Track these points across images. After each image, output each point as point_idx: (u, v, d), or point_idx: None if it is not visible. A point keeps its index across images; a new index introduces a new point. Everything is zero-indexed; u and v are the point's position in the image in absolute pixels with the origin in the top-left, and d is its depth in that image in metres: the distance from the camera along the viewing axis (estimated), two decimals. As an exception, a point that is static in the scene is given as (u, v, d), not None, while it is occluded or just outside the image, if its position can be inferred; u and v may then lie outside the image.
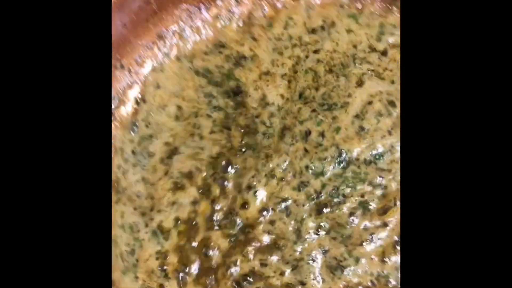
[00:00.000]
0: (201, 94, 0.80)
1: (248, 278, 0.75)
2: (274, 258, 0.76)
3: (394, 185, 0.77)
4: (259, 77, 0.81)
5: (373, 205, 0.76)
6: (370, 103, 0.80)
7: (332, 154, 0.79)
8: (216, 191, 0.78)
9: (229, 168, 0.79)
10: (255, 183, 0.78)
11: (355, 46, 0.81)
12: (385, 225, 0.76)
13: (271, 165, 0.79)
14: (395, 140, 0.79)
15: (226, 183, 0.78)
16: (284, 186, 0.78)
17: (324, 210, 0.77)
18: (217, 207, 0.77)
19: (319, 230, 0.76)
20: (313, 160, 0.79)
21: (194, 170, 0.78)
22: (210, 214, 0.77)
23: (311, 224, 0.77)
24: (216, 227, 0.77)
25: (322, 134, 0.80)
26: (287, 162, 0.79)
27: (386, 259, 0.75)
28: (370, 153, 0.79)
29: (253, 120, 0.80)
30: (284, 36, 0.82)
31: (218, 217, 0.77)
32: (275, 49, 0.81)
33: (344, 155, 0.79)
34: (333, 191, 0.77)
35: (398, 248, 0.75)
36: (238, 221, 0.77)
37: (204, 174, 0.78)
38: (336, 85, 0.81)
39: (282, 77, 0.81)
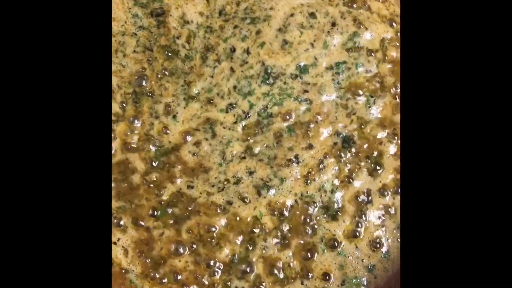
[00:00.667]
0: (129, 15, 0.78)
1: (174, 200, 0.73)
2: (200, 180, 0.74)
3: (318, 99, 0.74)
4: (180, -4, 0.78)
5: (297, 123, 0.73)
6: (292, 15, 0.76)
7: (258, 71, 0.76)
8: (132, 112, 0.76)
9: (147, 90, 0.76)
10: (174, 107, 0.76)
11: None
12: (310, 146, 0.73)
13: (194, 90, 0.76)
14: (318, 52, 0.75)
15: (141, 105, 0.76)
16: (209, 108, 0.75)
17: (252, 131, 0.74)
18: (135, 131, 0.75)
19: (246, 152, 0.74)
20: (240, 79, 0.76)
21: (115, 86, 0.76)
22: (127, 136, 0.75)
23: (237, 146, 0.74)
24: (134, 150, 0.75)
25: (247, 51, 0.76)
26: (212, 84, 0.76)
27: (309, 181, 0.72)
28: (295, 67, 0.75)
29: (174, 41, 0.77)
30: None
31: (135, 140, 0.75)
32: (196, -30, 0.78)
33: (270, 71, 0.75)
34: (262, 111, 0.75)
35: (322, 168, 0.72)
36: (159, 144, 0.75)
37: (123, 90, 0.76)
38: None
39: (200, -4, 0.78)
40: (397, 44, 0.75)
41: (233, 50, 0.77)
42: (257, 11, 0.77)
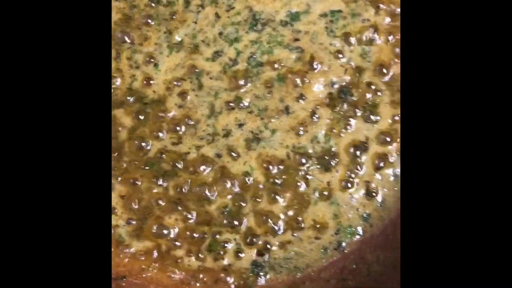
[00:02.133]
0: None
1: (162, 155, 0.70)
2: (188, 134, 0.70)
3: (310, 47, 0.71)
4: None
5: (288, 72, 0.70)
6: (282, -45, 0.72)
7: (246, 17, 0.72)
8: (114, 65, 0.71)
9: (126, 39, 0.71)
10: (155, 56, 0.71)
11: None
12: (301, 97, 0.70)
13: (177, 37, 0.71)
14: (312, -1, 0.71)
15: (120, 57, 0.71)
16: (194, 56, 0.71)
17: (240, 82, 0.71)
18: (116, 83, 0.71)
19: (234, 103, 0.71)
20: (226, 26, 0.72)
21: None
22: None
23: (226, 97, 0.71)
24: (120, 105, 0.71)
25: (233, -5, 0.72)
26: (196, 30, 0.71)
27: (302, 132, 0.70)
28: (286, 13, 0.71)
29: (155, -14, 0.72)
30: None
31: (119, 95, 0.71)
32: None
33: (258, 17, 0.71)
34: (250, 59, 0.71)
35: (315, 119, 0.70)
36: (144, 96, 0.71)
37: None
38: None
39: None
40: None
41: (218, -6, 0.72)
42: (244, -49, 0.72)
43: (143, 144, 0.70)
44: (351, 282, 0.66)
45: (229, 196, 0.69)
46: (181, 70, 0.71)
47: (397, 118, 0.69)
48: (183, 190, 0.69)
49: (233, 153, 0.70)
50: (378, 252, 0.66)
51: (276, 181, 0.69)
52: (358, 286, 0.64)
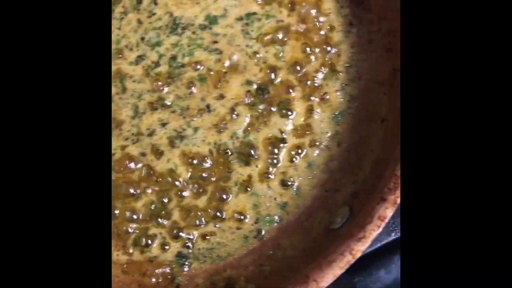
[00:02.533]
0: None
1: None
2: (114, 135, 0.74)
3: (228, 49, 0.75)
4: None
5: (208, 73, 0.74)
6: (198, -37, 0.76)
7: (167, 22, 0.76)
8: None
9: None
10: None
11: None
12: (221, 96, 0.75)
13: (101, 40, 0.75)
14: (228, 3, 0.76)
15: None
16: (118, 61, 0.75)
17: (162, 84, 0.75)
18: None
19: (158, 103, 0.74)
20: (148, 31, 0.76)
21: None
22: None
23: (149, 99, 0.74)
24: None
25: (154, 1, 0.76)
26: (120, 36, 0.75)
27: (222, 130, 0.75)
28: (204, 17, 0.76)
29: (78, -6, 0.75)
30: None
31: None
32: None
33: (178, 22, 0.76)
34: (171, 61, 0.75)
35: (234, 116, 0.74)
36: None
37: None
38: None
39: None
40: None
41: (139, 1, 0.76)
42: (162, -41, 0.76)
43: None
44: (267, 267, 0.70)
45: (155, 192, 0.73)
46: (105, 74, 0.74)
47: (311, 111, 0.74)
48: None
49: (157, 151, 0.74)
50: (292, 237, 0.71)
51: (201, 175, 0.73)
52: (273, 270, 0.69)
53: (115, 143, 0.74)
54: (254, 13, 0.76)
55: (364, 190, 0.69)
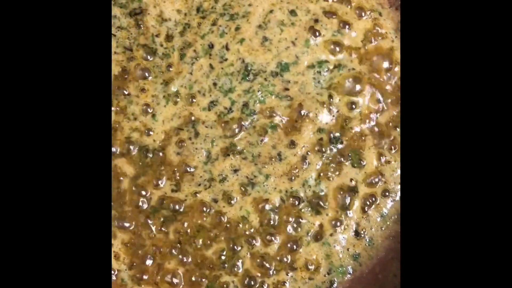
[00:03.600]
0: (108, 17, 0.76)
1: (164, 201, 0.73)
2: (185, 181, 0.74)
3: (299, 96, 0.75)
4: (158, -6, 0.77)
5: (280, 121, 0.75)
6: (271, 11, 0.76)
7: (238, 68, 0.76)
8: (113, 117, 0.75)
9: (125, 92, 0.75)
10: (153, 107, 0.75)
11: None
12: (292, 144, 0.75)
13: (173, 88, 0.75)
14: (300, 51, 0.76)
15: (117, 108, 0.75)
16: (191, 106, 0.75)
17: (235, 129, 0.75)
18: (117, 136, 0.75)
19: (230, 150, 0.75)
20: (220, 76, 0.76)
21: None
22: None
23: (221, 145, 0.75)
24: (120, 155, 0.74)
25: (226, 47, 0.76)
26: (192, 81, 0.76)
27: (293, 178, 0.74)
28: (276, 64, 0.76)
29: (153, 40, 0.76)
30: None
31: (118, 147, 0.74)
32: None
33: (250, 68, 0.76)
34: (244, 107, 0.75)
35: (306, 165, 0.74)
36: (143, 146, 0.75)
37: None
38: (236, -5, 0.77)
39: (178, -7, 0.77)
40: (380, 37, 0.77)
41: (211, 46, 0.77)
42: (236, 7, 0.77)
43: (143, 192, 0.74)
44: (343, 320, 0.70)
45: (227, 239, 0.73)
46: (177, 120, 0.75)
47: (383, 160, 0.74)
48: (182, 234, 0.73)
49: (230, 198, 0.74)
50: (368, 290, 0.71)
51: (272, 223, 0.73)
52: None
53: (188, 189, 0.74)
54: (326, 61, 0.76)
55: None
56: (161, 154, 0.74)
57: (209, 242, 0.73)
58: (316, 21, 0.76)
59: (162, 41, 0.76)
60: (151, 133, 0.74)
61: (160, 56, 0.76)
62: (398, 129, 0.75)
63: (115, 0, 0.76)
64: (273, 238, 0.73)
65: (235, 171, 0.74)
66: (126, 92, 0.75)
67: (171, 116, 0.75)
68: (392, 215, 0.73)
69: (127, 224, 0.73)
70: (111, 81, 0.74)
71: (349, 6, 0.77)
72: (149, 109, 0.75)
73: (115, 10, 0.76)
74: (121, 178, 0.74)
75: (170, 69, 0.76)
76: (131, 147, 0.74)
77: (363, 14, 0.77)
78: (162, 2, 0.76)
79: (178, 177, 0.74)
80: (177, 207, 0.73)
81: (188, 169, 0.74)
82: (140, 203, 0.73)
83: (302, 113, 0.75)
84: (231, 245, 0.73)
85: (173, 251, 0.73)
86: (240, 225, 0.73)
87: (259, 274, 0.72)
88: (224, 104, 0.76)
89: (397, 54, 0.76)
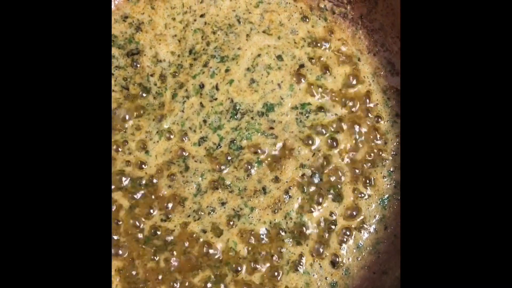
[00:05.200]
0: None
1: (157, 232, 0.78)
2: (176, 212, 0.79)
3: (283, 135, 0.81)
4: (154, 37, 0.83)
5: (265, 157, 0.81)
6: (259, 55, 0.83)
7: (227, 107, 0.82)
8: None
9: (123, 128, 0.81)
10: (147, 143, 0.80)
11: (234, 10, 0.85)
12: (276, 179, 0.81)
13: (165, 125, 0.81)
14: (284, 93, 0.82)
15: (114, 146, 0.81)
16: (180, 142, 0.81)
17: (222, 165, 0.80)
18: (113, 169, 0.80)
19: (218, 184, 0.80)
20: (210, 114, 0.82)
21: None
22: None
23: (210, 178, 0.80)
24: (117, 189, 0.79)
25: (216, 87, 0.82)
26: (184, 118, 0.81)
27: (277, 210, 0.80)
28: (262, 105, 0.82)
29: (147, 79, 0.81)
30: (178, 5, 0.84)
31: (121, 180, 0.79)
32: (169, 15, 0.84)
33: (238, 108, 0.82)
34: (231, 143, 0.81)
35: (288, 198, 0.80)
36: (137, 180, 0.80)
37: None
38: (227, 40, 0.83)
39: (173, 37, 0.83)
40: (363, 82, 0.84)
41: (201, 86, 0.82)
42: (226, 50, 0.83)
43: (137, 223, 0.79)
44: None
45: (212, 268, 0.78)
46: (169, 154, 0.81)
47: (360, 196, 0.80)
48: (172, 263, 0.78)
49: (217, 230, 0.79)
50: (344, 317, 0.76)
51: (257, 253, 0.78)
52: None
53: (178, 219, 0.79)
54: (309, 104, 0.82)
55: (412, 276, 0.74)
56: (153, 186, 0.79)
57: (196, 270, 0.78)
58: (301, 66, 0.83)
59: (156, 81, 0.82)
60: (144, 166, 0.80)
61: (154, 94, 0.81)
62: (374, 167, 0.81)
63: (114, 41, 0.82)
64: (257, 267, 0.78)
65: (223, 203, 0.80)
66: (122, 128, 0.81)
67: (163, 151, 0.80)
68: (367, 246, 0.79)
69: (121, 252, 0.78)
70: (111, 118, 0.80)
71: (331, 51, 0.84)
72: (142, 145, 0.80)
73: (114, 50, 0.82)
74: (118, 209, 0.79)
75: (162, 108, 0.81)
76: (126, 180, 0.79)
77: (343, 60, 0.84)
78: (158, 44, 0.82)
79: (167, 209, 0.79)
80: (167, 237, 0.78)
81: (177, 201, 0.79)
82: (135, 232, 0.78)
83: (285, 150, 0.81)
84: (217, 273, 0.78)
85: (164, 278, 0.78)
86: (226, 255, 0.78)
87: (243, 300, 0.77)
88: (213, 140, 0.81)
89: (374, 97, 0.83)
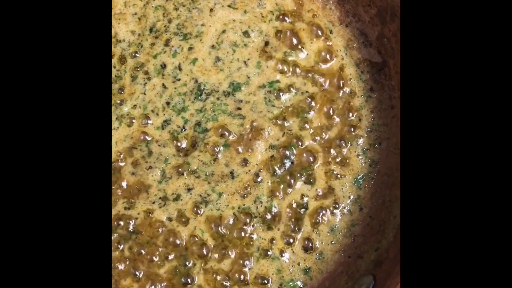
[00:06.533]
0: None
1: (120, 222, 0.75)
2: (140, 199, 0.76)
3: (251, 115, 0.77)
4: (113, 16, 0.78)
5: (233, 139, 0.76)
6: (224, 31, 0.78)
7: (191, 88, 0.78)
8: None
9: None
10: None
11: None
12: (245, 162, 0.77)
13: (125, 109, 0.77)
14: (251, 71, 0.78)
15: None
16: (141, 127, 0.77)
17: (188, 149, 0.76)
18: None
19: (183, 169, 0.76)
20: (173, 96, 0.78)
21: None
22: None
23: (174, 163, 0.76)
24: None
25: (178, 67, 0.78)
26: (145, 101, 0.77)
27: (246, 195, 0.76)
28: (228, 84, 0.78)
29: (106, 61, 0.77)
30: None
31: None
32: (128, -8, 0.79)
33: (203, 88, 0.78)
34: (196, 126, 0.77)
35: (258, 182, 0.76)
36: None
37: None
38: (190, 16, 0.78)
39: (133, 15, 0.78)
40: (332, 55, 0.79)
41: (163, 66, 0.78)
42: (189, 27, 0.78)
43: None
44: (291, 335, 0.72)
45: (179, 256, 0.75)
46: (130, 140, 0.77)
47: (333, 176, 0.76)
48: (136, 252, 0.75)
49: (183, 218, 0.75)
50: (316, 304, 0.73)
51: (225, 240, 0.75)
52: None
53: (141, 206, 0.75)
54: (277, 81, 0.78)
55: (387, 259, 0.71)
56: (116, 174, 0.76)
57: (161, 260, 0.75)
58: (267, 43, 0.78)
59: (115, 63, 0.77)
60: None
61: (113, 78, 0.77)
62: (348, 145, 0.77)
63: (69, 21, 0.77)
64: (225, 253, 0.74)
65: (189, 190, 0.76)
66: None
67: (124, 138, 0.76)
68: (342, 229, 0.75)
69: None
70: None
71: (302, 23, 0.78)
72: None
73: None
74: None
75: (122, 91, 0.77)
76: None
77: (314, 33, 0.79)
78: (117, 24, 0.78)
79: (131, 198, 0.76)
80: (131, 225, 0.75)
81: (142, 187, 0.76)
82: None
83: (253, 131, 0.77)
84: (183, 262, 0.74)
85: (128, 268, 0.74)
86: (194, 243, 0.75)
87: (212, 290, 0.74)
88: (177, 123, 0.77)
89: (347, 71, 0.78)
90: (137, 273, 0.74)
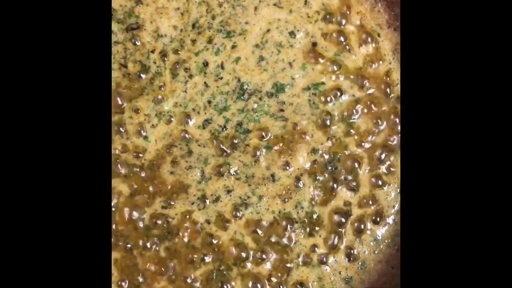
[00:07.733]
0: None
1: (157, 222, 0.73)
2: (180, 199, 0.73)
3: (294, 118, 0.75)
4: (155, 10, 0.76)
5: (275, 141, 0.74)
6: (268, 30, 0.76)
7: (234, 87, 0.75)
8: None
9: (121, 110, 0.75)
10: (145, 126, 0.74)
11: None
12: (286, 164, 0.74)
13: (166, 107, 0.75)
14: (296, 73, 0.75)
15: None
16: (181, 125, 0.75)
17: (228, 149, 0.74)
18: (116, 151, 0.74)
19: (223, 170, 0.74)
20: (215, 95, 0.75)
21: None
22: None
23: (214, 163, 0.74)
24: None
25: (221, 65, 0.76)
26: (187, 100, 0.75)
27: (287, 199, 0.74)
28: (271, 85, 0.75)
29: (148, 56, 0.75)
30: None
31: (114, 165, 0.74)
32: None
33: (245, 88, 0.75)
34: (238, 126, 0.75)
35: (299, 186, 0.74)
36: (135, 166, 0.74)
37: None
38: (234, 13, 0.76)
39: (175, 10, 0.76)
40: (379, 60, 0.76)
41: (205, 64, 0.76)
42: (233, 24, 0.76)
43: (136, 212, 0.73)
44: None
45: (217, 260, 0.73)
46: (169, 138, 0.75)
47: (377, 184, 0.74)
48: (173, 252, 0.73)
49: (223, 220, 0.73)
50: (359, 315, 0.70)
51: (265, 244, 0.73)
52: None
53: (180, 207, 0.73)
54: (323, 83, 0.75)
55: (434, 272, 0.68)
56: (155, 172, 0.74)
57: (198, 262, 0.72)
58: (314, 44, 0.75)
59: (156, 59, 0.75)
60: (140, 155, 0.74)
61: (153, 74, 0.75)
62: (393, 153, 0.74)
63: (112, 15, 0.75)
64: (265, 257, 0.72)
65: (228, 191, 0.74)
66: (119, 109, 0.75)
67: (163, 135, 0.75)
68: (386, 239, 0.73)
69: (120, 242, 0.73)
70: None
71: (351, 27, 0.76)
72: (140, 129, 0.74)
73: (112, 25, 0.75)
74: (118, 197, 0.74)
75: (162, 88, 0.75)
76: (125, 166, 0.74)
77: (361, 36, 0.76)
78: (159, 18, 0.76)
79: (170, 197, 0.74)
80: (168, 225, 0.73)
81: (181, 187, 0.74)
82: (134, 221, 0.73)
83: (296, 134, 0.74)
84: (220, 266, 0.72)
85: (163, 270, 0.72)
86: (232, 247, 0.73)
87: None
88: (219, 122, 0.75)
89: (395, 76, 0.76)
90: (173, 276, 0.72)
